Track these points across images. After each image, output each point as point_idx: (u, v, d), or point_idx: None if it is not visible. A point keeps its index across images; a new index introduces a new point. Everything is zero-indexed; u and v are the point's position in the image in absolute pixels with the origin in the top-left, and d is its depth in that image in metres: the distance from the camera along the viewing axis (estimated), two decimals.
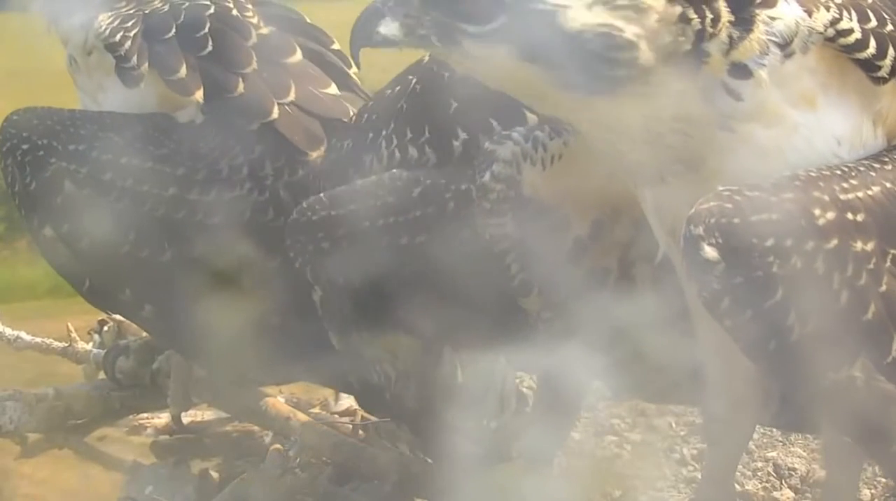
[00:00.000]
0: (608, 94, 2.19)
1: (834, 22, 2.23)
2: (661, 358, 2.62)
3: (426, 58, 3.08)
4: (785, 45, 2.20)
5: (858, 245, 2.16)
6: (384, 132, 3.06)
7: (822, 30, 2.22)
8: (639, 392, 2.91)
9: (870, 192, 2.20)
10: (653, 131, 2.23)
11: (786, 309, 2.13)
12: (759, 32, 2.19)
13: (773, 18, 2.20)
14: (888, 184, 2.22)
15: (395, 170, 2.97)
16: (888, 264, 2.18)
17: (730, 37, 2.18)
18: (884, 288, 2.17)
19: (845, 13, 2.25)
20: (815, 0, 2.24)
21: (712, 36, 2.17)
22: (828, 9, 2.24)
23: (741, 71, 2.19)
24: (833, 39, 2.24)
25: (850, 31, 2.24)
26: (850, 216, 2.17)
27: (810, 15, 2.22)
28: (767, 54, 2.19)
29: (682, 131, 2.23)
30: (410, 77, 3.10)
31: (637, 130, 2.23)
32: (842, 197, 2.17)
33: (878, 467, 2.41)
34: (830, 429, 2.30)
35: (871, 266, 2.16)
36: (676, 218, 2.29)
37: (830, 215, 2.15)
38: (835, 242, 2.15)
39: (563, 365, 2.70)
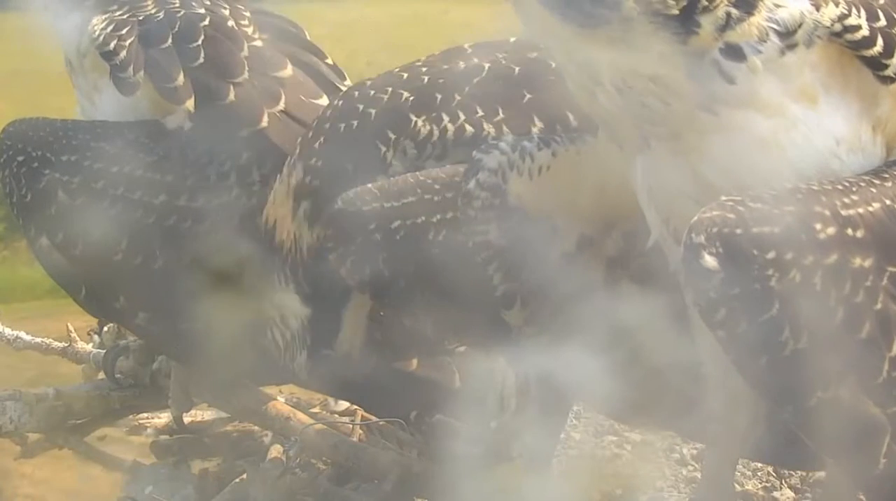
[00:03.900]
0: (587, 30, 2.19)
1: (842, 17, 2.22)
2: (642, 378, 2.62)
3: (468, 48, 3.11)
4: (787, 35, 2.19)
5: (857, 261, 2.15)
6: (449, 104, 3.04)
7: (828, 24, 2.21)
8: (617, 409, 2.89)
9: (870, 209, 2.19)
10: (627, 82, 2.22)
11: (781, 324, 2.12)
12: (759, 17, 2.17)
13: (777, 6, 2.19)
14: (888, 201, 2.20)
15: (451, 165, 2.96)
16: (885, 282, 2.17)
17: (727, 15, 2.16)
18: (879, 306, 2.16)
19: (854, 10, 2.23)
20: None
21: (706, 9, 2.16)
22: (836, 4, 2.22)
23: (735, 53, 2.18)
24: (840, 35, 2.22)
25: (858, 27, 2.23)
26: (850, 232, 2.16)
27: (818, 9, 2.20)
28: (766, 41, 2.18)
29: (660, 96, 2.22)
30: (461, 63, 3.09)
31: (611, 77, 2.23)
32: (843, 212, 2.16)
33: (859, 491, 2.39)
34: (814, 447, 2.28)
35: (869, 283, 2.15)
36: (670, 205, 2.29)
37: (831, 230, 2.15)
38: (834, 258, 2.14)
39: (546, 374, 2.70)
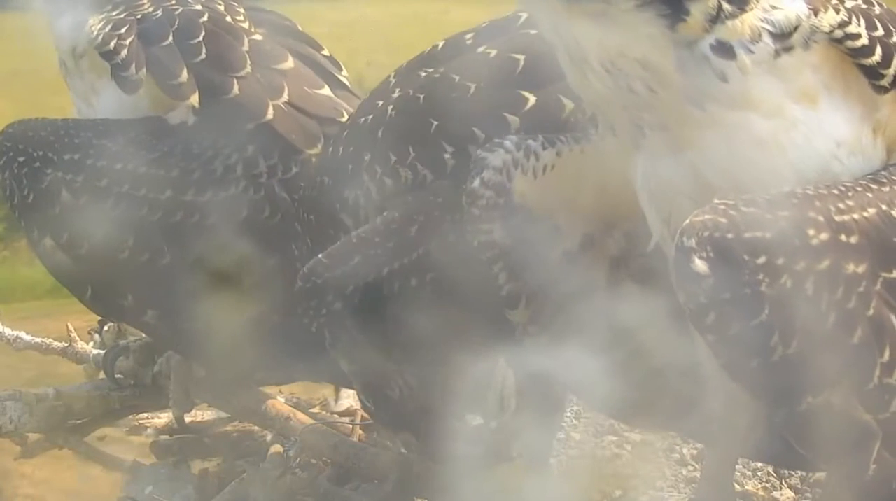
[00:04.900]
0: (572, 2, 2.18)
1: (842, 24, 2.22)
2: (645, 378, 2.62)
3: (392, 79, 3.10)
4: (782, 37, 2.18)
5: (850, 267, 2.14)
6: (364, 163, 3.05)
7: (827, 29, 2.21)
8: (619, 409, 2.89)
9: (865, 214, 2.18)
10: (615, 64, 2.21)
11: (770, 329, 2.11)
12: (753, 16, 2.17)
13: (773, 7, 2.18)
14: (884, 207, 2.20)
15: (386, 213, 2.97)
16: (878, 288, 2.16)
17: (719, 7, 2.15)
18: (871, 312, 2.15)
19: (854, 18, 2.23)
20: (825, 1, 2.22)
21: None
22: (837, 11, 2.22)
23: (726, 51, 2.17)
24: (840, 41, 2.22)
25: (858, 35, 2.23)
26: (843, 237, 2.15)
27: (816, 14, 2.20)
28: (758, 42, 2.17)
29: (647, 82, 2.21)
30: (380, 102, 3.09)
31: (599, 55, 2.21)
32: (837, 218, 2.15)
33: (850, 496, 2.38)
34: (805, 452, 2.27)
35: (861, 289, 2.14)
36: (670, 205, 2.28)
37: (824, 236, 2.14)
38: (826, 263, 2.13)
39: (547, 373, 2.70)
